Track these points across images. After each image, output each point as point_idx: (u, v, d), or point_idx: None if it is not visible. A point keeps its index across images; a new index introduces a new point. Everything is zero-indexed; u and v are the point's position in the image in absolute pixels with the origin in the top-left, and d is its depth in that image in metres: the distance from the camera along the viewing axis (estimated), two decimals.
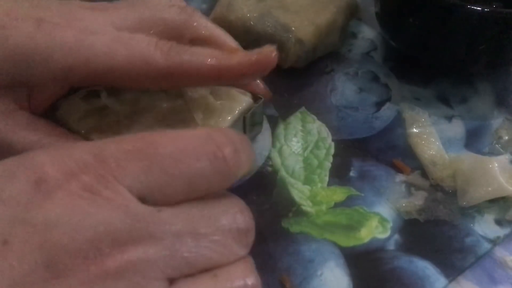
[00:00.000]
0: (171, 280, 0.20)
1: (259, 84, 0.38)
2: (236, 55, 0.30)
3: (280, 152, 0.41)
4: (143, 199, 0.21)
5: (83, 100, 0.33)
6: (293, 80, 0.47)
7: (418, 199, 0.39)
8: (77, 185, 0.20)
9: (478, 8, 0.40)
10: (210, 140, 0.22)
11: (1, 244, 0.19)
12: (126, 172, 0.21)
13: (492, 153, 0.42)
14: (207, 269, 0.21)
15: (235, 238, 0.22)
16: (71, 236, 0.19)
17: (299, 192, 0.39)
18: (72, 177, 0.20)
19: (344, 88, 0.47)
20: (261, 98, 0.36)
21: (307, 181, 0.39)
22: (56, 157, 0.21)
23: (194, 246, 0.21)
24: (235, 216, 0.22)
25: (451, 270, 0.35)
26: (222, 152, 0.22)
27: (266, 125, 0.43)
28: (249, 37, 0.48)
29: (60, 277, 0.19)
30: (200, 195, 0.22)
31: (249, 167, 0.24)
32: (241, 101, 0.34)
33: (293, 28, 0.45)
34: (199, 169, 0.21)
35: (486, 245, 0.36)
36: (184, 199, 0.22)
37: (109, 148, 0.21)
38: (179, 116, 0.33)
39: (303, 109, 0.44)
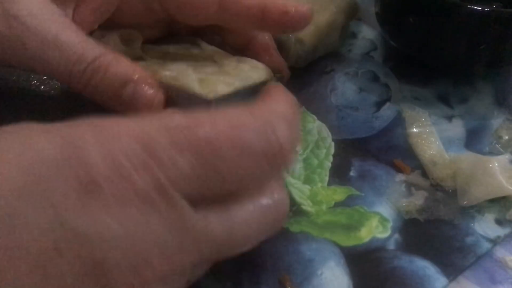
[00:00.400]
0: None
1: (282, 61, 0.39)
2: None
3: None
4: (193, 201, 0.20)
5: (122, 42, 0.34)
6: (293, 80, 0.47)
7: (418, 199, 0.39)
8: (130, 189, 0.19)
9: (478, 8, 0.40)
10: (269, 135, 0.21)
11: (53, 252, 0.18)
12: (180, 174, 0.19)
13: (492, 152, 0.42)
14: None
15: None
16: (124, 253, 0.18)
17: (299, 191, 0.39)
18: (124, 178, 0.19)
19: (344, 88, 0.47)
20: (278, 76, 0.37)
21: (307, 180, 0.39)
22: (104, 148, 0.19)
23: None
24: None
25: (451, 269, 0.35)
26: (281, 149, 0.21)
27: None
28: None
29: None
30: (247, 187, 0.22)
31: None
32: (261, 71, 0.35)
33: None
34: (255, 169, 0.21)
35: (487, 245, 0.36)
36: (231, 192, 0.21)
37: (159, 137, 0.20)
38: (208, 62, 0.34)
39: (303, 109, 0.44)
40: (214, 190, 0.21)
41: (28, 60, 0.29)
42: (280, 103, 0.24)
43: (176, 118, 0.21)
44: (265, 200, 0.22)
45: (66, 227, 0.18)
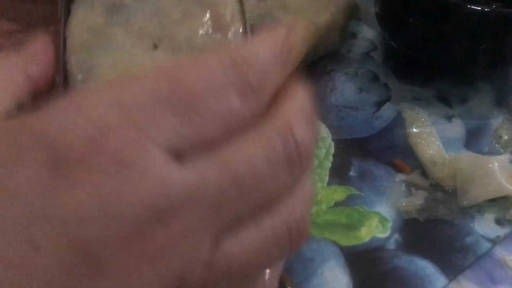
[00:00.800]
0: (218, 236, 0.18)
1: None
2: None
3: None
4: (178, 154, 0.18)
5: None
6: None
7: (418, 199, 0.39)
8: (102, 158, 0.16)
9: (478, 8, 0.40)
10: (235, 68, 0.19)
11: (30, 249, 0.16)
12: (159, 127, 0.17)
13: (492, 152, 0.42)
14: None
15: (284, 170, 0.19)
16: (106, 226, 0.16)
17: None
18: (94, 148, 0.16)
19: (344, 88, 0.47)
20: None
21: None
22: (70, 122, 0.17)
23: (239, 197, 0.18)
24: (283, 141, 0.19)
25: (451, 269, 0.35)
26: (251, 80, 0.19)
27: None
28: None
29: (103, 270, 0.17)
30: (236, 133, 0.19)
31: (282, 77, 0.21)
32: None
33: None
34: (230, 105, 0.18)
35: (486, 245, 0.36)
36: (221, 140, 0.18)
37: (133, 96, 0.17)
38: None
39: None
40: (202, 137, 0.18)
41: None
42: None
43: (146, 79, 0.18)
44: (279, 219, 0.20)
45: (36, 217, 0.16)
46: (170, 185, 0.17)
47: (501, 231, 0.37)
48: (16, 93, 0.22)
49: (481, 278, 0.35)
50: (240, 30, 0.28)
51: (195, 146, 0.18)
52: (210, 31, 0.28)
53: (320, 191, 0.39)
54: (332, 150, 0.41)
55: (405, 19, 0.45)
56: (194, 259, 0.18)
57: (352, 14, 0.50)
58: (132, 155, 0.17)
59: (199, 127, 0.18)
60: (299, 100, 0.22)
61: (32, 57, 0.24)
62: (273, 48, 0.20)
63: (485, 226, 0.37)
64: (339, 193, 0.39)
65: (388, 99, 0.46)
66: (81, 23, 0.28)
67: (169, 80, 0.18)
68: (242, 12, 0.28)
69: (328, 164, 0.40)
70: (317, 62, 0.48)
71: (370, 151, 0.42)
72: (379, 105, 0.46)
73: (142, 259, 0.17)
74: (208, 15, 0.28)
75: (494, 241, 0.37)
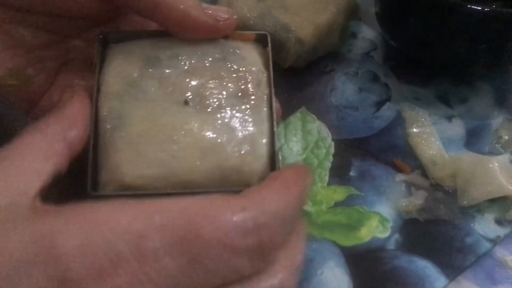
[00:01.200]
0: None
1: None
2: None
3: (280, 151, 0.41)
4: None
5: None
6: (293, 79, 0.47)
7: (418, 199, 0.39)
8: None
9: (478, 8, 0.40)
10: (253, 231, 0.20)
11: None
12: (163, 270, 0.19)
13: (492, 152, 0.42)
14: None
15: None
16: None
17: None
18: (101, 278, 0.18)
19: (344, 88, 0.47)
20: None
21: None
22: (83, 247, 0.18)
23: None
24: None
25: (451, 269, 0.35)
26: (264, 244, 0.20)
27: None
28: None
29: None
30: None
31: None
32: None
33: (293, 28, 0.45)
34: (237, 265, 0.20)
35: (486, 245, 0.36)
36: None
37: (152, 236, 0.19)
38: None
39: (303, 108, 0.44)
40: (197, 285, 0.20)
41: None
42: (277, 197, 0.22)
43: (167, 215, 0.20)
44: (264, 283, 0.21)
45: None
46: None
47: (501, 231, 0.37)
48: (56, 163, 0.23)
49: (481, 278, 0.35)
50: (265, 98, 0.29)
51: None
52: (237, 94, 0.29)
53: (320, 191, 0.39)
54: (332, 150, 0.41)
55: (405, 19, 0.45)
56: None
57: (352, 14, 0.50)
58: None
59: (200, 277, 0.19)
60: (294, 255, 0.23)
61: (71, 122, 0.25)
62: (293, 202, 0.22)
63: (485, 226, 0.37)
64: (339, 193, 0.39)
65: (388, 99, 0.46)
66: (116, 72, 0.28)
67: (186, 223, 0.19)
68: (269, 80, 0.30)
69: (328, 164, 0.40)
70: (317, 62, 0.48)
71: (370, 151, 0.42)
72: (379, 105, 0.46)
73: None
74: (236, 80, 0.29)
75: (494, 241, 0.37)
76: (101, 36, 0.29)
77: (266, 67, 0.31)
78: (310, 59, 0.47)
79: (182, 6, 0.27)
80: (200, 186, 0.26)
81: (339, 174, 0.40)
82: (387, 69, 0.48)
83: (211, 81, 0.29)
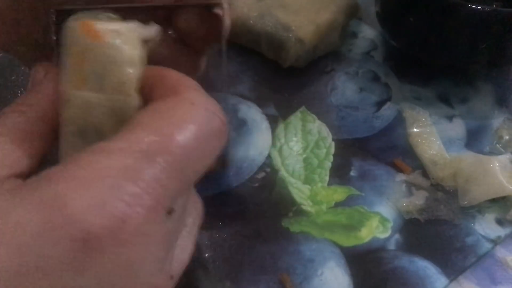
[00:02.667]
0: None
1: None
2: None
3: (280, 151, 0.41)
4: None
5: None
6: (293, 79, 0.47)
7: (419, 199, 0.39)
8: (127, 230, 0.19)
9: (478, 8, 0.40)
10: (215, 116, 0.22)
11: None
12: (170, 194, 0.20)
13: (493, 152, 0.42)
14: None
15: None
16: None
17: (299, 191, 0.39)
18: (122, 223, 0.19)
19: (344, 88, 0.47)
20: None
21: (307, 180, 0.39)
22: (88, 196, 0.18)
23: None
24: None
25: (452, 270, 0.35)
26: (224, 124, 0.23)
27: (266, 125, 0.43)
28: (249, 37, 0.48)
29: None
30: None
31: None
32: None
33: (293, 28, 0.45)
34: (216, 150, 0.22)
35: (487, 245, 0.36)
36: None
37: (148, 168, 0.20)
38: None
39: (303, 108, 0.44)
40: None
41: None
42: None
43: (144, 140, 0.20)
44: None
45: None
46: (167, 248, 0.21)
47: (501, 231, 0.37)
48: (35, 146, 0.23)
49: (482, 278, 0.35)
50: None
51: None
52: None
53: (320, 191, 0.39)
54: (333, 150, 0.41)
55: (406, 18, 0.45)
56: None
57: (353, 13, 0.50)
58: (150, 221, 0.19)
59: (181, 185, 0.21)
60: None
61: (50, 101, 0.24)
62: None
63: (486, 226, 0.37)
64: (340, 193, 0.39)
65: (388, 99, 0.46)
66: None
67: (171, 147, 0.20)
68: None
69: (328, 164, 0.40)
70: (317, 62, 0.48)
71: (370, 151, 0.42)
72: (379, 104, 0.46)
73: None
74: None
75: (495, 241, 0.37)
76: (53, 11, 0.27)
77: None
78: (310, 59, 0.47)
79: None
80: None
81: (339, 174, 0.40)
82: (388, 69, 0.48)
83: None
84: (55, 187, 0.19)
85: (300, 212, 0.37)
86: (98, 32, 0.23)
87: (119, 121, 0.23)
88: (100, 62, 0.23)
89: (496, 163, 0.39)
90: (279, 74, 0.46)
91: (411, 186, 0.39)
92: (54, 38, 0.27)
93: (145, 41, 0.25)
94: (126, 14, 0.27)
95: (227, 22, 0.30)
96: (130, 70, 0.24)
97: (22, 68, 0.46)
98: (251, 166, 0.40)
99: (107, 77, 0.23)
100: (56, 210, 0.18)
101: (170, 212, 0.20)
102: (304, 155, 0.41)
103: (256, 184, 0.39)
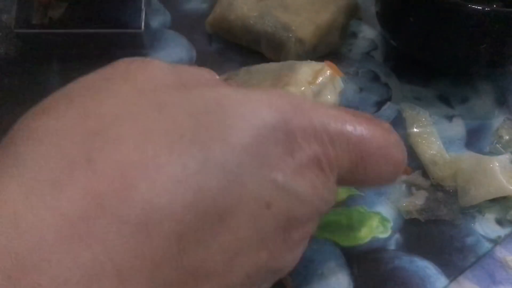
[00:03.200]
0: None
1: None
2: None
3: None
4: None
5: None
6: None
7: (419, 199, 0.39)
8: (314, 156, 0.22)
9: (478, 8, 0.40)
10: (390, 130, 0.28)
11: (263, 204, 0.21)
12: (342, 162, 0.24)
13: (493, 152, 0.42)
14: None
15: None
16: (307, 211, 0.23)
17: None
18: (315, 141, 0.22)
19: (344, 88, 0.47)
20: None
21: None
22: (301, 116, 0.23)
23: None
24: None
25: (452, 269, 0.35)
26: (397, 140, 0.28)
27: None
28: (249, 37, 0.48)
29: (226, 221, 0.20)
30: None
31: None
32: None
33: (293, 28, 0.45)
34: (391, 158, 0.27)
35: (487, 245, 0.36)
36: None
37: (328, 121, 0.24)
38: None
39: None
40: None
41: None
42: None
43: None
44: None
45: (278, 185, 0.21)
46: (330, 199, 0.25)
47: (502, 231, 0.37)
48: None
49: (482, 278, 0.35)
50: None
51: None
52: None
53: None
54: None
55: (406, 18, 0.45)
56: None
57: (353, 13, 0.50)
58: (325, 164, 0.23)
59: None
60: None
61: None
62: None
63: (486, 226, 0.37)
64: (340, 193, 0.39)
65: (388, 99, 0.46)
66: None
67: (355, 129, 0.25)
68: None
69: None
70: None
71: None
72: (379, 104, 0.46)
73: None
74: None
75: (495, 241, 0.37)
76: None
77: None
78: (310, 58, 0.47)
79: None
80: None
81: None
82: (388, 69, 0.48)
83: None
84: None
85: None
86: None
87: None
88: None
89: (496, 163, 0.39)
90: None
91: (411, 186, 0.39)
92: None
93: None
94: None
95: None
96: None
97: (23, 68, 0.46)
98: None
99: None
100: (282, 118, 0.22)
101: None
102: None
103: None
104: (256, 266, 0.21)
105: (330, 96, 0.37)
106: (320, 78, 0.37)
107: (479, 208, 0.38)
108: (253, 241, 0.21)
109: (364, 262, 0.35)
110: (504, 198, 0.38)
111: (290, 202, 0.21)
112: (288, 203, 0.21)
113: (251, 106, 0.21)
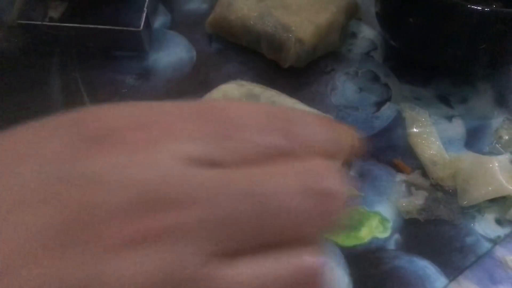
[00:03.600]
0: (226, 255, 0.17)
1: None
2: None
3: None
4: (204, 162, 0.17)
5: None
6: (293, 79, 0.47)
7: (419, 199, 0.39)
8: (131, 137, 0.17)
9: (478, 8, 0.40)
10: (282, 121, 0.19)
11: (37, 202, 0.17)
12: (186, 133, 0.18)
13: (492, 152, 0.42)
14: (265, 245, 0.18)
15: (307, 211, 0.18)
16: (114, 193, 0.17)
17: None
18: (128, 130, 0.18)
19: (344, 88, 0.47)
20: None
21: None
22: (113, 111, 0.18)
23: (252, 211, 0.17)
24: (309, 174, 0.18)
25: (452, 269, 0.35)
26: (293, 133, 0.19)
27: None
28: (249, 37, 0.48)
29: (77, 244, 0.16)
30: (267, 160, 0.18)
31: None
32: None
33: (293, 28, 0.45)
34: (268, 139, 0.19)
35: (487, 245, 0.36)
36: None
37: (179, 109, 0.18)
38: None
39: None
40: (230, 157, 0.18)
41: None
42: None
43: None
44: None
45: (57, 178, 0.17)
46: (183, 177, 0.17)
47: (501, 231, 0.37)
48: None
49: (481, 278, 0.35)
50: None
51: (222, 158, 0.18)
52: None
53: None
54: None
55: (405, 19, 0.45)
56: (182, 263, 0.17)
57: (352, 13, 0.50)
58: (155, 143, 0.17)
59: (228, 148, 0.18)
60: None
61: None
62: (324, 126, 0.21)
63: (485, 226, 0.37)
64: None
65: (388, 99, 0.46)
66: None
67: (216, 109, 0.19)
68: None
69: None
70: (317, 62, 0.48)
71: (370, 151, 0.42)
72: (379, 105, 0.46)
73: (122, 244, 0.16)
74: None
75: (494, 241, 0.37)
76: None
77: None
78: (310, 59, 0.47)
79: None
80: None
81: None
82: (387, 69, 0.48)
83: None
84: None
85: None
86: None
87: None
88: None
89: (496, 163, 0.39)
90: (279, 74, 0.46)
91: (410, 186, 0.39)
92: None
93: None
94: None
95: None
96: None
97: (23, 68, 0.46)
98: None
99: None
100: (66, 116, 0.19)
101: None
102: None
103: None
104: None
105: None
106: None
107: (479, 208, 0.38)
108: None
109: (363, 262, 0.35)
110: (503, 198, 0.38)
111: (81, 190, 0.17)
112: (77, 191, 0.17)
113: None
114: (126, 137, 0.17)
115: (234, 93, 0.37)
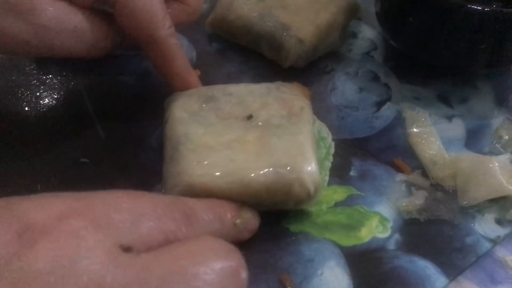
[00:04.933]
0: None
1: None
2: None
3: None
4: (126, 249, 0.22)
5: None
6: (293, 79, 0.47)
7: (419, 199, 0.39)
8: (65, 228, 0.20)
9: (478, 8, 0.40)
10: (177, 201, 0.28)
11: None
12: (114, 223, 0.22)
13: (493, 152, 0.42)
14: None
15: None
16: (53, 285, 0.19)
17: None
18: (60, 220, 0.20)
19: (344, 88, 0.47)
20: None
21: None
22: (43, 203, 0.21)
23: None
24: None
25: (452, 269, 0.35)
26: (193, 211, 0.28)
27: None
28: (249, 37, 0.48)
29: None
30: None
31: None
32: None
33: (293, 28, 0.45)
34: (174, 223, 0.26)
35: (487, 245, 0.36)
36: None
37: (98, 200, 0.23)
38: None
39: None
40: (147, 242, 0.24)
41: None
42: None
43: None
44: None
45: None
46: (114, 265, 0.20)
47: (501, 231, 0.37)
48: None
49: (482, 278, 0.35)
50: (308, 118, 0.37)
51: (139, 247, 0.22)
52: (285, 115, 0.36)
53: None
54: (332, 150, 0.41)
55: (405, 19, 0.45)
56: None
57: (352, 13, 0.50)
58: (88, 231, 0.21)
59: (146, 236, 0.23)
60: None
61: None
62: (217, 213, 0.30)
63: (486, 226, 0.37)
64: (339, 193, 0.39)
65: (388, 99, 0.46)
66: (181, 106, 0.37)
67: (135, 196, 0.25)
68: (309, 108, 0.38)
69: (328, 164, 0.40)
70: (317, 62, 0.48)
71: (370, 151, 0.42)
72: (379, 105, 0.46)
73: None
74: (282, 105, 0.37)
75: (495, 241, 0.37)
76: None
77: (306, 98, 0.39)
78: (310, 59, 0.47)
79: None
80: (256, 182, 0.32)
81: (339, 174, 0.40)
82: (388, 69, 0.48)
83: (260, 108, 0.37)
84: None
85: (300, 212, 0.37)
86: None
87: None
88: None
89: (496, 163, 0.39)
90: (279, 74, 0.46)
91: (411, 186, 0.39)
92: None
93: None
94: None
95: None
96: None
97: (22, 68, 0.46)
98: None
99: None
100: (4, 207, 0.21)
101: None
102: None
103: None
104: None
105: None
106: None
107: (479, 208, 0.38)
108: None
109: (363, 261, 0.35)
110: (503, 198, 0.38)
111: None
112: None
113: None
114: (59, 229, 0.20)
115: (193, 107, 0.37)
